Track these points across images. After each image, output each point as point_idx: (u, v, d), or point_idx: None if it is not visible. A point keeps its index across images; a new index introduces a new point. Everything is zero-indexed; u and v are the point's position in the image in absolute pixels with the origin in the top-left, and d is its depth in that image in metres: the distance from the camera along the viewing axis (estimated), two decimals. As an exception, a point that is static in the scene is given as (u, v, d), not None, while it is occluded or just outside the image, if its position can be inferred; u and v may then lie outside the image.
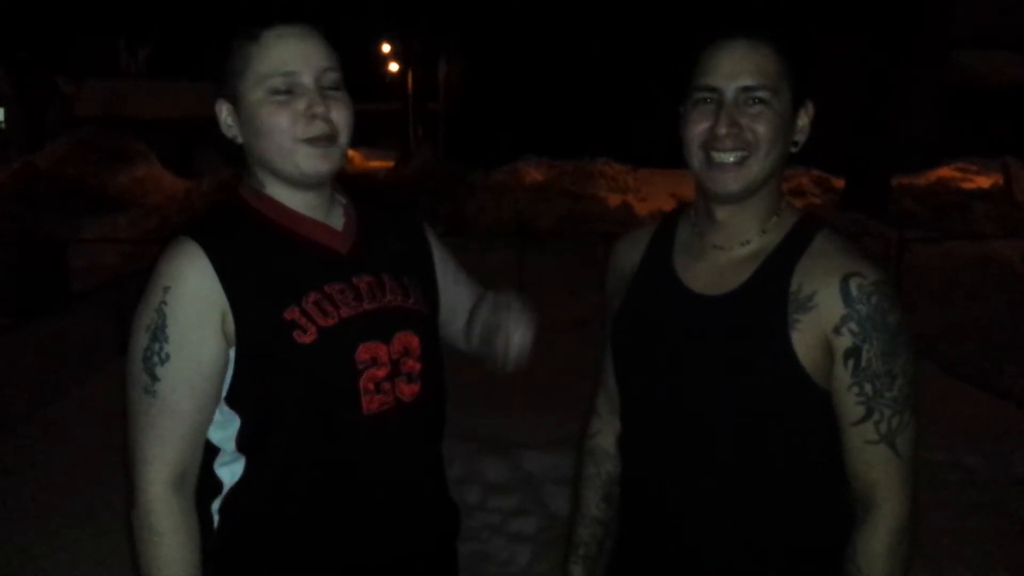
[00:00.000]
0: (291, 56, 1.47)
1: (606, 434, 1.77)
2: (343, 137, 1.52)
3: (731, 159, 1.44)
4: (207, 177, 17.00)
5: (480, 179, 16.31)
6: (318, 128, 1.48)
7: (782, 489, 1.46)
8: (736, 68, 1.43)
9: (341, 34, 1.57)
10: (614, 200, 15.49)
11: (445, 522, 1.71)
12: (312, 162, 1.49)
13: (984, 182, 16.70)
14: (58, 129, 23.04)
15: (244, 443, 1.50)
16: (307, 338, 1.45)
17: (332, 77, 1.50)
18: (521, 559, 3.73)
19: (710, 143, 1.45)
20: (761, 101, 1.43)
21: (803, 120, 1.51)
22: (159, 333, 1.43)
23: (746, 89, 1.43)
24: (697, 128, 1.47)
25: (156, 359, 1.43)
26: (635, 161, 16.86)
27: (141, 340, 1.44)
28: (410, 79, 27.45)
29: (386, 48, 29.65)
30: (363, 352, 1.50)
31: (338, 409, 1.49)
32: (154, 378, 1.44)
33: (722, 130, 1.44)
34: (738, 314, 1.46)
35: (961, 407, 5.63)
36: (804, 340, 1.40)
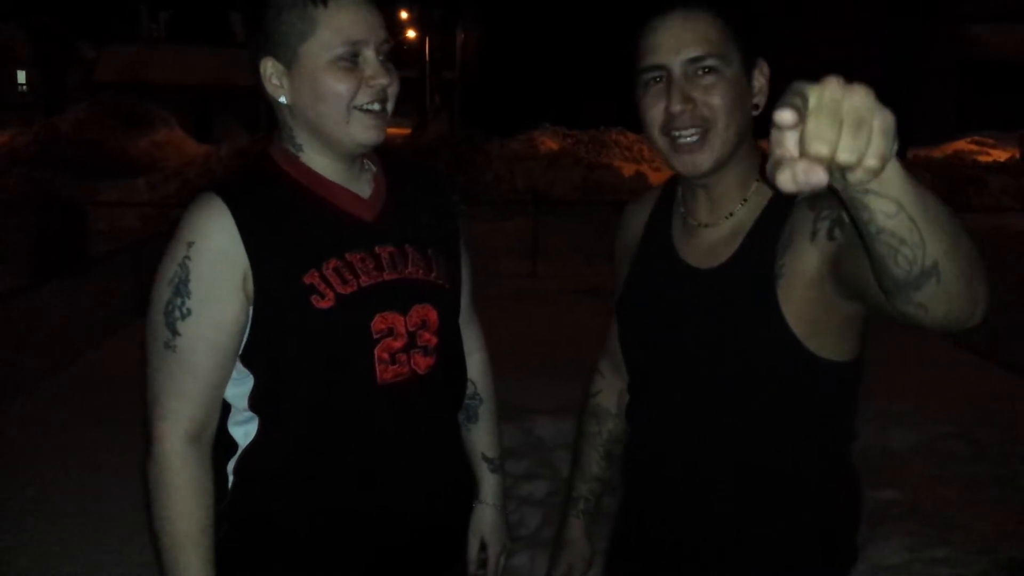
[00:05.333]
0: (359, 25, 1.46)
1: (608, 394, 1.80)
2: (390, 105, 1.52)
3: (693, 138, 1.40)
4: (226, 142, 17.05)
5: (496, 148, 16.28)
6: (376, 96, 1.48)
7: (783, 455, 1.46)
8: (678, 41, 1.38)
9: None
10: (628, 169, 15.45)
11: (460, 490, 1.72)
12: (367, 132, 1.49)
13: (1000, 155, 16.58)
14: (79, 93, 23.10)
15: (257, 403, 1.50)
16: (324, 304, 1.46)
17: (387, 47, 1.50)
18: (531, 522, 3.76)
19: (668, 124, 1.41)
20: (712, 70, 1.38)
21: (759, 81, 1.45)
22: (182, 288, 1.43)
23: (693, 60, 1.38)
24: (652, 112, 1.42)
25: (178, 313, 1.43)
26: (651, 131, 16.76)
27: (164, 293, 1.44)
28: (427, 47, 27.34)
29: (404, 15, 29.51)
30: (379, 322, 1.50)
31: (351, 377, 1.50)
32: (175, 333, 1.44)
33: (676, 107, 1.39)
34: (728, 285, 1.44)
35: (973, 380, 5.63)
36: (788, 287, 1.36)
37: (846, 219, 1.24)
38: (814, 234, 1.33)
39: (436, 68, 27.78)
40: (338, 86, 1.45)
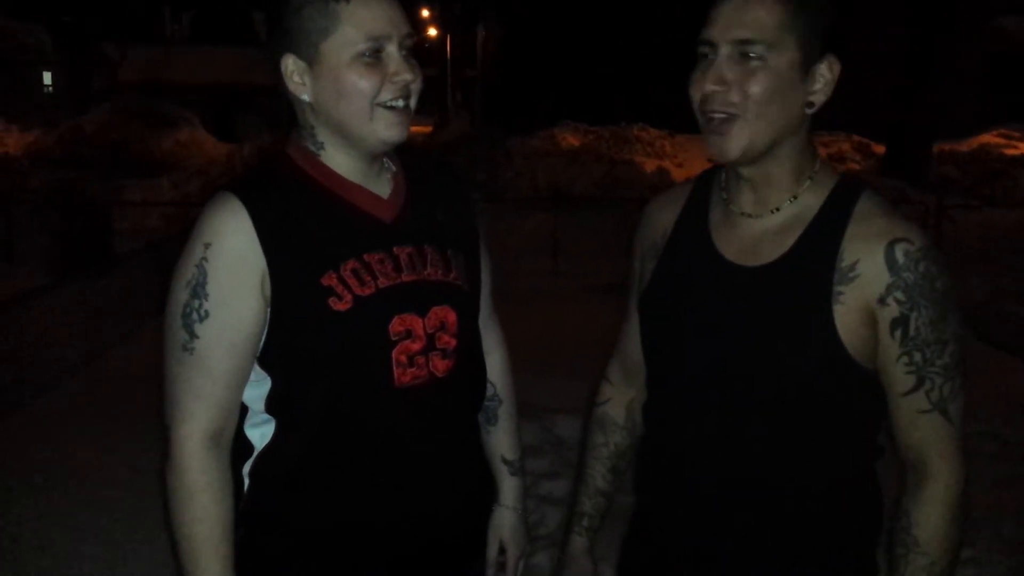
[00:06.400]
0: (382, 20, 1.44)
1: (616, 403, 1.73)
2: (413, 101, 1.50)
3: (719, 118, 1.37)
4: (248, 141, 17.14)
5: (516, 145, 16.24)
6: (400, 92, 1.46)
7: (814, 466, 1.42)
8: (731, 20, 1.34)
9: None
10: (650, 165, 15.38)
11: (479, 493, 1.70)
12: (390, 130, 1.47)
13: (1027, 149, 16.36)
14: (103, 94, 23.29)
15: (273, 405, 1.49)
16: (342, 306, 1.44)
17: (411, 42, 1.49)
18: (551, 521, 3.75)
19: (703, 103, 1.38)
20: (757, 57, 1.33)
21: (822, 78, 1.38)
22: (199, 290, 1.41)
23: (740, 43, 1.34)
24: (692, 88, 1.40)
25: (195, 316, 1.42)
26: (672, 127, 16.70)
27: (181, 296, 1.43)
28: (448, 45, 27.36)
29: (425, 13, 29.55)
30: (397, 324, 1.47)
31: (369, 380, 1.48)
32: (193, 335, 1.42)
33: (707, 87, 1.36)
34: (779, 286, 1.39)
35: (999, 377, 5.56)
36: (847, 314, 1.34)
37: (911, 327, 1.33)
38: (882, 301, 1.34)
39: (457, 66, 27.82)
40: (361, 83, 1.44)
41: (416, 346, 1.49)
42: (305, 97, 1.48)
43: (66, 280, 6.89)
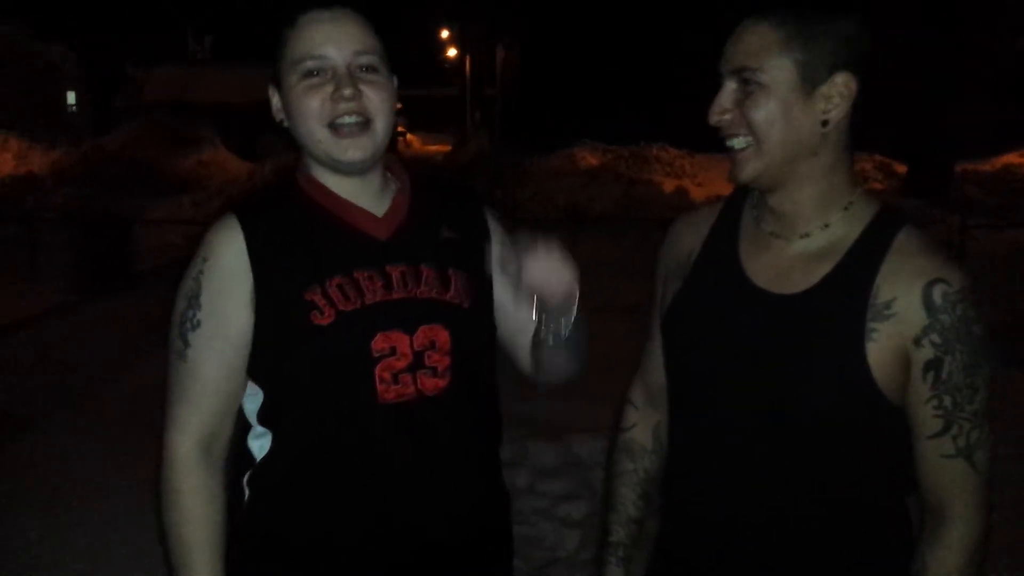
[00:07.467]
0: (322, 39, 1.47)
1: (643, 427, 1.69)
2: (378, 122, 1.50)
3: (731, 144, 1.39)
4: (269, 160, 17.26)
5: (535, 164, 16.30)
6: (344, 110, 1.47)
7: (840, 496, 1.40)
8: (730, 50, 1.37)
9: (384, 16, 1.55)
10: (669, 185, 15.40)
11: (483, 508, 1.66)
12: (345, 151, 1.49)
13: (1053, 169, 16.26)
14: (126, 113, 23.56)
15: (265, 417, 1.53)
16: (324, 320, 1.46)
17: (366, 60, 1.49)
18: (569, 544, 3.71)
19: (719, 131, 1.41)
20: (753, 82, 1.34)
21: (835, 95, 1.35)
22: (193, 301, 1.49)
23: (736, 71, 1.36)
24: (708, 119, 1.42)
25: (189, 325, 1.49)
26: (692, 146, 16.72)
27: (179, 306, 1.51)
28: (468, 64, 27.49)
29: (445, 34, 29.73)
30: (381, 341, 1.48)
31: (351, 395, 1.48)
32: (186, 343, 1.49)
33: (712, 118, 1.40)
34: (809, 317, 1.36)
35: (1023, 399, 5.50)
36: (879, 352, 1.32)
37: (944, 370, 1.31)
38: (917, 342, 1.32)
39: (476, 85, 27.91)
40: (302, 101, 1.49)
41: (401, 364, 1.49)
42: (284, 123, 1.55)
43: (89, 298, 6.94)
